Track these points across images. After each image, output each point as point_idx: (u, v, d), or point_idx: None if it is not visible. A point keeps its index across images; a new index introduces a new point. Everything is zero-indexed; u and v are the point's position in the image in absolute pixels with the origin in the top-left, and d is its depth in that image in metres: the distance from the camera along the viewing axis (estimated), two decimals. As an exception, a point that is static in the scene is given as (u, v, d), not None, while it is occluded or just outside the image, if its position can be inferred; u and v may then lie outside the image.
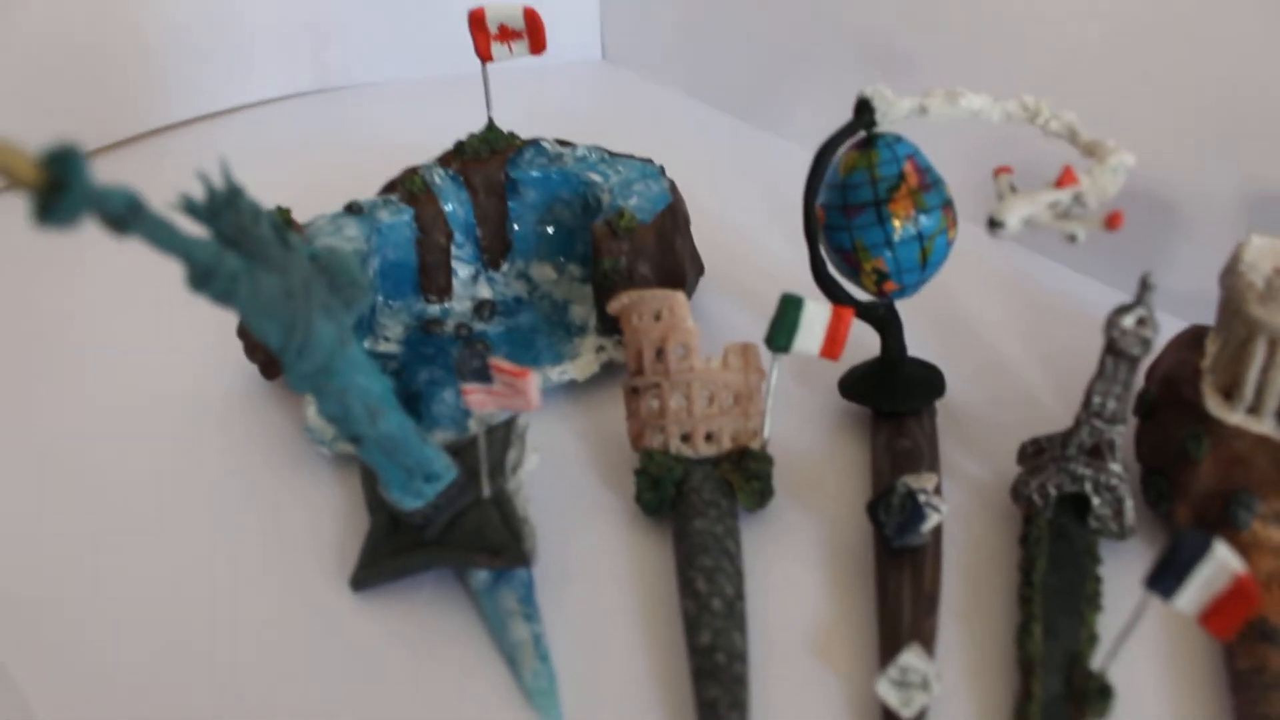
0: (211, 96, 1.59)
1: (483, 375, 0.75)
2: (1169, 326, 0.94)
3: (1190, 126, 1.08)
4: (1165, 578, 0.65)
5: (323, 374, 0.71)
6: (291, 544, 0.87)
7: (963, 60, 1.27)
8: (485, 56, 1.05)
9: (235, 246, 0.64)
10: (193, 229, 0.61)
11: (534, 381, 0.73)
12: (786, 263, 1.18)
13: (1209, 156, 1.08)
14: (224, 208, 0.64)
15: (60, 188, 0.52)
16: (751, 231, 1.27)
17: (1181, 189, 1.10)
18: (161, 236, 0.58)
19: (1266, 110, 1.02)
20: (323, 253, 0.71)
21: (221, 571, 0.85)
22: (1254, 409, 0.83)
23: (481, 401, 0.76)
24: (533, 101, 1.50)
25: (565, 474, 0.93)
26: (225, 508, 0.90)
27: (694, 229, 1.11)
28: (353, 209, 1.01)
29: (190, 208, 0.63)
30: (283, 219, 0.94)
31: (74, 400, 1.02)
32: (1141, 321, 0.77)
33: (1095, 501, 0.84)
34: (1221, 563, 0.63)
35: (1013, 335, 1.11)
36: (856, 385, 0.98)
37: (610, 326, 0.99)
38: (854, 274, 0.90)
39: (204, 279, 0.62)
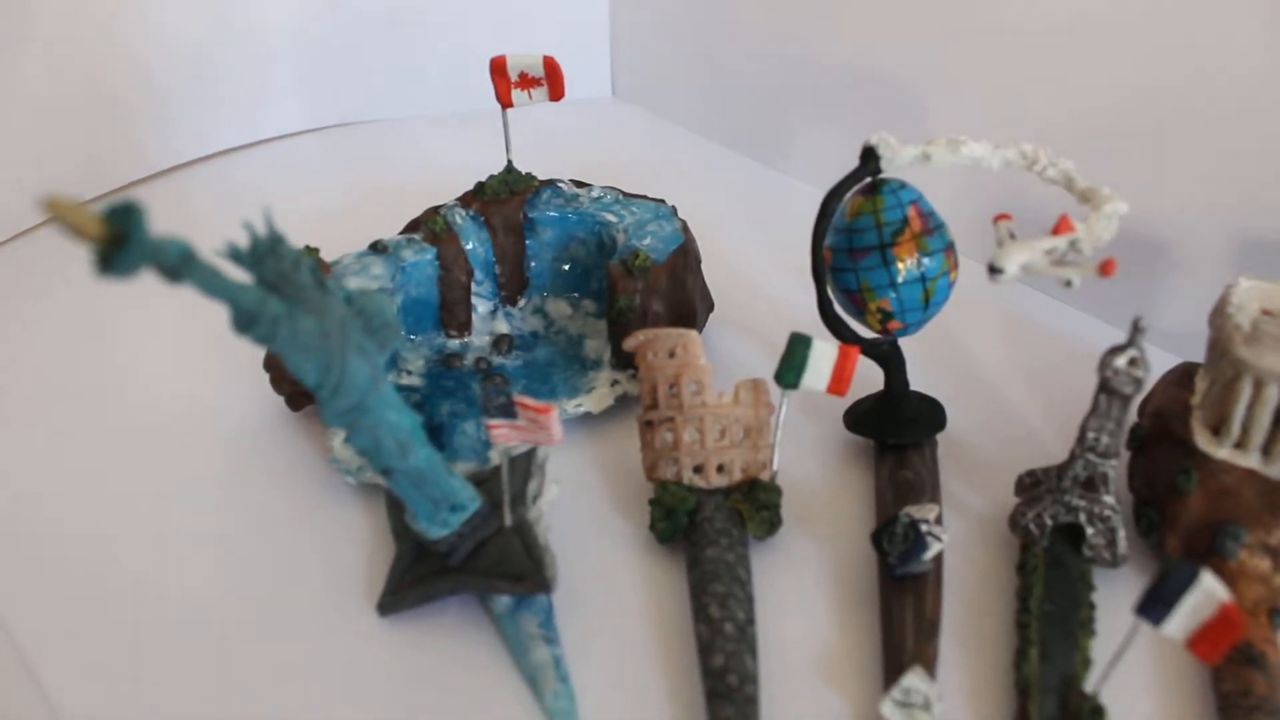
0: (231, 131, 1.63)
1: (507, 411, 0.78)
2: (1161, 362, 0.98)
3: (1184, 173, 1.12)
4: (1155, 605, 0.69)
5: (356, 411, 0.74)
6: (319, 570, 0.90)
7: (967, 106, 1.30)
8: (506, 103, 1.09)
9: (276, 290, 0.68)
10: (237, 273, 0.65)
11: (556, 417, 0.77)
12: (793, 299, 1.22)
13: (1202, 202, 1.11)
14: (266, 254, 0.67)
15: (122, 241, 0.55)
16: (758, 268, 1.31)
17: (1175, 232, 1.14)
18: (210, 284, 0.62)
19: (1255, 159, 1.06)
20: (358, 296, 0.74)
21: (250, 596, 0.88)
22: (1240, 444, 0.87)
23: (506, 436, 0.80)
24: (544, 137, 1.54)
25: (582, 503, 0.97)
26: (254, 535, 0.93)
27: (703, 266, 1.14)
28: (378, 248, 1.05)
29: (235, 255, 0.66)
30: (311, 258, 0.98)
31: (103, 430, 1.05)
32: (1133, 362, 0.80)
33: (1089, 531, 0.87)
34: (1208, 592, 0.67)
35: (1012, 371, 1.15)
36: (861, 419, 1.01)
37: (624, 361, 1.02)
38: (859, 313, 0.94)
39: (248, 323, 0.66)
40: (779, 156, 1.59)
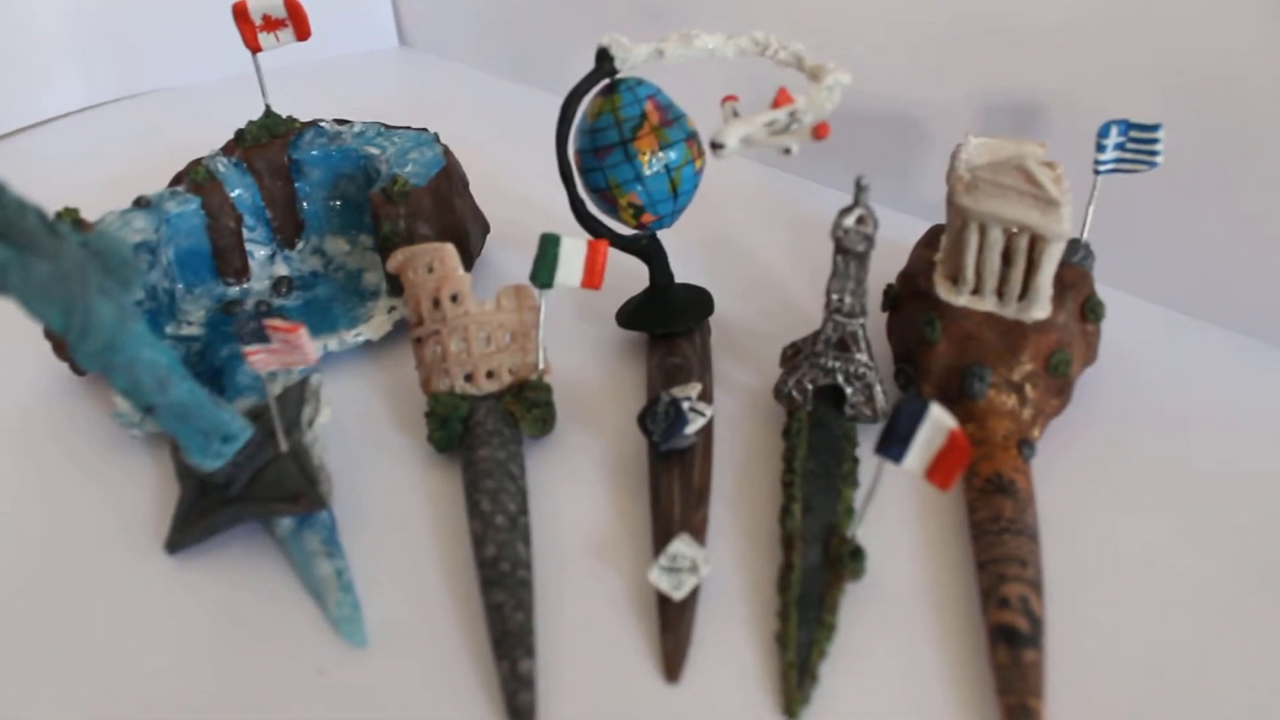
0: (7, 115, 1.60)
1: (260, 336, 0.80)
2: (923, 231, 1.03)
3: (927, 51, 1.17)
4: (893, 443, 0.72)
5: (108, 351, 0.75)
6: (111, 522, 0.90)
7: (735, 6, 1.34)
8: (254, 47, 1.09)
9: (3, 239, 0.69)
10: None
11: (306, 336, 0.78)
12: (569, 212, 1.24)
13: (944, 75, 1.16)
14: (-14, 205, 0.68)
15: None
16: (539, 190, 1.32)
17: (924, 106, 1.19)
18: (-77, 234, 0.62)
19: (987, 30, 1.11)
20: (93, 238, 0.75)
21: (44, 557, 0.88)
22: (976, 290, 0.91)
23: (264, 361, 0.81)
24: (330, 90, 1.55)
25: (366, 426, 0.98)
26: (44, 499, 0.93)
27: (487, 192, 1.17)
28: (140, 203, 1.05)
29: (-49, 208, 0.67)
30: (70, 219, 0.98)
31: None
32: (861, 220, 0.84)
33: (848, 390, 0.91)
34: (937, 422, 0.71)
35: (777, 252, 1.20)
36: (631, 314, 1.04)
37: (400, 287, 1.04)
38: (613, 210, 0.97)
39: (-27, 270, 0.66)
40: (562, 82, 1.60)
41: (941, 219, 1.10)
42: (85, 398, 1.03)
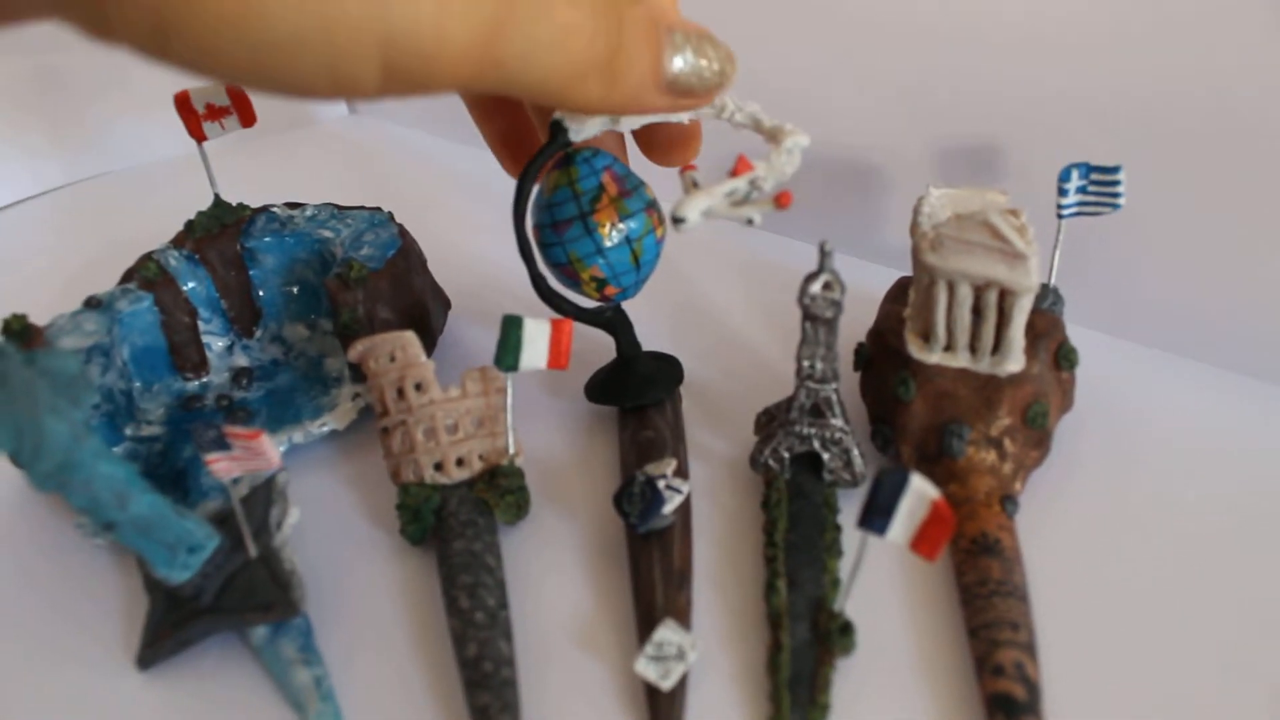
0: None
1: (221, 443, 0.78)
2: (890, 282, 1.02)
3: (883, 98, 1.16)
4: (875, 516, 0.71)
5: (64, 470, 0.73)
6: (78, 637, 0.88)
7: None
8: (198, 137, 1.07)
9: (-55, 366, 0.67)
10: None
11: (268, 441, 0.76)
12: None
13: (902, 121, 1.15)
14: (-82, 332, 0.66)
15: None
16: (499, 259, 1.30)
17: (883, 153, 1.18)
18: None
19: (944, 75, 1.10)
20: (39, 356, 0.73)
21: (7, 674, 0.85)
22: (949, 346, 0.89)
23: (227, 469, 0.79)
24: (282, 167, 1.52)
25: (336, 521, 0.96)
26: (6, 613, 0.90)
27: (447, 264, 1.15)
28: (91, 303, 1.03)
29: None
30: (19, 326, 0.95)
31: None
32: (828, 286, 0.82)
33: (825, 456, 0.90)
34: (919, 492, 0.69)
35: (743, 310, 1.18)
36: (599, 388, 1.03)
37: (362, 374, 1.02)
38: (575, 284, 0.95)
39: (-88, 398, 0.64)
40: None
41: (907, 266, 1.09)
42: (45, 507, 1.00)
